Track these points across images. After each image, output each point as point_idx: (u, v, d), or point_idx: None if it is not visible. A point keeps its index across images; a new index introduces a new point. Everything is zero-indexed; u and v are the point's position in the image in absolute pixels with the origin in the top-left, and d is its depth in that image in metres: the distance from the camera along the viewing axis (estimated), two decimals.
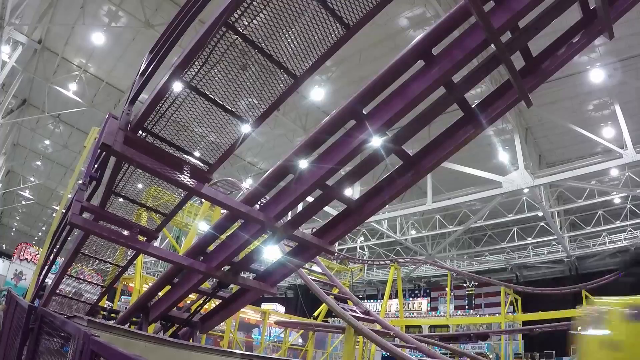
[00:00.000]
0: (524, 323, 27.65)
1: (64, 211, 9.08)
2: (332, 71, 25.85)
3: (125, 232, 5.53)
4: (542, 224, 36.46)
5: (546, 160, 32.32)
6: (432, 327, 33.73)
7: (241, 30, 3.79)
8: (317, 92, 26.63)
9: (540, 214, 33.02)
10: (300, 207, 6.81)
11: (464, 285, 39.92)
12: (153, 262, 44.38)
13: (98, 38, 24.64)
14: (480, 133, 5.70)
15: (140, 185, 5.76)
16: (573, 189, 31.53)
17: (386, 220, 35.72)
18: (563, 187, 31.37)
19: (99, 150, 4.77)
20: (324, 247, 6.08)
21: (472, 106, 5.45)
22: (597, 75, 23.12)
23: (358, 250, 44.39)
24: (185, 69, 3.89)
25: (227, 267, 6.34)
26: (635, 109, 25.05)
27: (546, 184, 28.64)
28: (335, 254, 28.44)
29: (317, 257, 15.45)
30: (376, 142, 5.33)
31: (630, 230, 34.67)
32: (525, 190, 28.44)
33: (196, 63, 3.90)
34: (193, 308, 7.76)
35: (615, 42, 20.62)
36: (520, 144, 26.26)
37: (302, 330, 20.97)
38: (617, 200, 33.88)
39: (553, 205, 33.34)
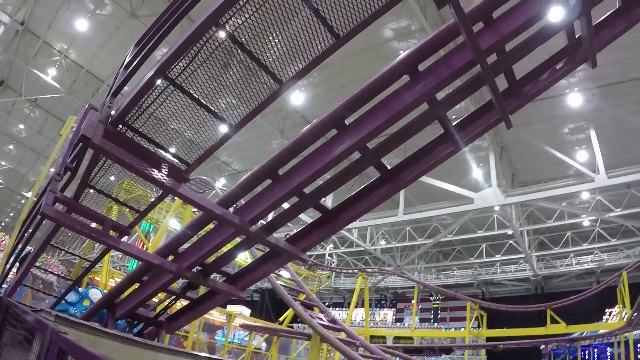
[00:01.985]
0: (488, 339, 27.92)
1: (35, 199, 8.88)
2: (313, 77, 25.80)
3: (96, 226, 5.43)
4: (511, 242, 36.88)
5: (519, 179, 32.76)
6: (397, 339, 33.81)
7: (231, 32, 3.77)
8: (297, 97, 26.57)
9: (509, 232, 33.41)
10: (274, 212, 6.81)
11: (430, 298, 40.14)
12: (120, 256, 43.71)
13: (82, 24, 24.20)
14: (459, 151, 5.76)
15: (112, 178, 5.66)
16: (544, 210, 32.00)
17: (357, 229, 35.76)
18: (534, 207, 31.83)
19: (77, 142, 4.68)
20: (296, 254, 6.06)
21: (453, 124, 5.51)
22: (575, 100, 23.48)
23: (327, 257, 44.28)
24: (172, 66, 3.84)
25: (197, 268, 6.28)
26: (610, 135, 25.56)
27: (517, 203, 29.10)
28: (308, 262, 28.31)
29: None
30: (356, 153, 5.34)
31: (597, 253, 35.46)
32: (497, 208, 28.84)
33: (183, 61, 3.86)
34: (159, 308, 7.67)
35: (595, 68, 20.97)
36: (495, 162, 26.59)
37: (266, 335, 20.87)
38: (586, 223, 34.46)
39: (523, 224, 33.79)
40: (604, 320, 26.88)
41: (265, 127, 28.81)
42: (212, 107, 4.33)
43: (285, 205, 6.06)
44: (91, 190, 5.72)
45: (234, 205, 5.95)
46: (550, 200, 27.99)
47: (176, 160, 4.72)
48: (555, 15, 4.94)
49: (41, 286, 9.17)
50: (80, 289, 8.87)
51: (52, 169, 21.22)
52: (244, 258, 24.00)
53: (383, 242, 40.13)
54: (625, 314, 21.27)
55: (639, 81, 23.00)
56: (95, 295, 8.82)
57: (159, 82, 3.93)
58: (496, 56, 5.04)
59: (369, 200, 5.85)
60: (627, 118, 23.39)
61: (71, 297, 8.13)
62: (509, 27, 4.63)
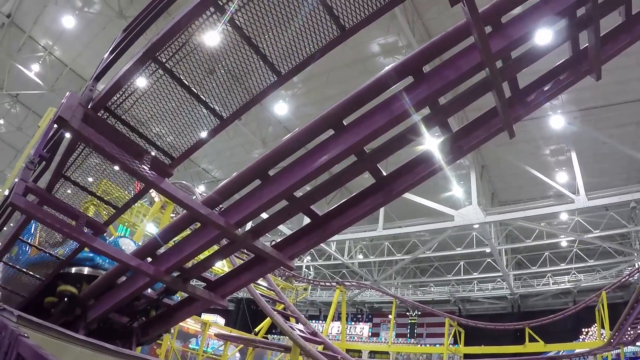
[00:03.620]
0: (466, 356, 27.75)
1: (6, 194, 8.34)
2: (298, 88, 25.68)
3: (71, 222, 5.06)
4: (489, 260, 36.99)
5: (498, 198, 32.93)
6: (372, 353, 33.49)
7: (231, 14, 3.47)
8: (280, 107, 26.41)
9: (488, 250, 33.49)
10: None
11: (407, 313, 39.93)
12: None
13: (68, 21, 23.69)
14: (458, 160, 5.54)
15: (90, 179, 5.30)
16: (522, 229, 32.14)
17: (335, 242, 35.56)
18: (513, 226, 31.91)
19: (54, 128, 4.34)
20: (283, 261, 5.74)
21: (454, 131, 5.29)
22: (557, 122, 23.71)
23: (304, 269, 43.84)
24: (163, 47, 3.53)
25: (176, 273, 5.92)
26: (590, 158, 25.86)
27: (497, 222, 29.15)
28: (294, 271, 27.79)
29: None
30: (352, 156, 5.07)
31: (574, 274, 35.79)
32: (476, 226, 28.89)
33: (175, 43, 3.56)
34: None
35: (579, 91, 21.25)
36: (476, 180, 26.66)
37: (241, 345, 20.39)
38: (564, 244, 34.77)
39: (502, 243, 33.91)
40: (580, 340, 26.97)
41: (247, 136, 28.55)
42: (203, 97, 4.02)
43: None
44: (68, 191, 5.36)
45: (219, 207, 5.63)
46: (529, 220, 28.14)
47: (160, 153, 4.38)
48: (563, 24, 4.80)
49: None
50: (108, 238, 7.57)
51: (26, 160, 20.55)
52: (220, 266, 23.55)
53: (361, 256, 39.98)
54: (604, 333, 21.35)
55: (619, 106, 23.38)
56: (127, 245, 7.57)
57: (147, 64, 3.62)
58: (502, 63, 4.86)
59: (362, 208, 5.58)
60: (607, 142, 23.69)
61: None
62: (517, 32, 4.47)
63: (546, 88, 5.29)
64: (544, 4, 4.49)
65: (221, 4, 3.38)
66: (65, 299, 6.40)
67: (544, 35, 4.80)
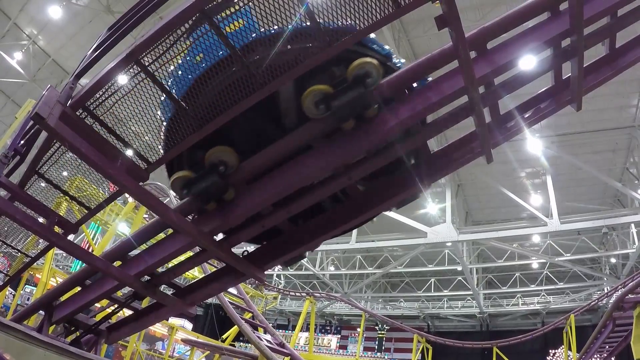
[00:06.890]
0: None
1: None
2: None
3: (42, 220, 4.95)
4: (460, 278, 37.21)
5: (472, 218, 33.27)
6: None
7: (217, 23, 3.44)
8: None
9: (459, 268, 33.74)
10: None
11: (376, 327, 39.91)
12: (64, 255, 41.91)
13: (55, 12, 23.41)
14: (434, 182, 5.55)
15: (65, 173, 5.18)
16: (494, 249, 32.43)
17: (307, 253, 35.39)
18: (485, 245, 32.21)
19: (30, 122, 4.25)
20: (254, 273, 5.68)
21: (432, 152, 5.32)
22: (534, 145, 24.09)
23: (274, 278, 43.59)
24: (146, 51, 3.48)
25: (146, 278, 5.80)
26: (565, 182, 26.32)
27: (470, 241, 29.43)
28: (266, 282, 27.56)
29: None
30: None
31: (544, 295, 36.33)
32: (448, 244, 29.13)
33: (160, 47, 3.51)
34: (100, 315, 7.12)
35: (557, 117, 21.55)
36: (451, 199, 26.95)
37: (208, 352, 20.16)
38: (535, 265, 35.27)
39: (473, 262, 34.22)
40: None
41: None
42: (183, 103, 3.96)
43: None
44: (42, 184, 5.24)
45: (193, 214, 5.55)
46: (501, 241, 28.48)
47: (136, 157, 4.30)
48: (548, 54, 4.87)
49: None
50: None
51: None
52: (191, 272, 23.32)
53: (332, 268, 39.96)
54: (571, 356, 21.66)
55: (597, 133, 23.88)
56: None
57: (130, 65, 3.56)
58: (485, 88, 4.90)
59: (338, 223, 5.55)
60: (583, 167, 24.13)
61: None
62: (502, 59, 4.51)
63: (527, 115, 5.36)
64: (530, 32, 4.56)
65: (209, 10, 3.35)
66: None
67: (528, 63, 4.86)
